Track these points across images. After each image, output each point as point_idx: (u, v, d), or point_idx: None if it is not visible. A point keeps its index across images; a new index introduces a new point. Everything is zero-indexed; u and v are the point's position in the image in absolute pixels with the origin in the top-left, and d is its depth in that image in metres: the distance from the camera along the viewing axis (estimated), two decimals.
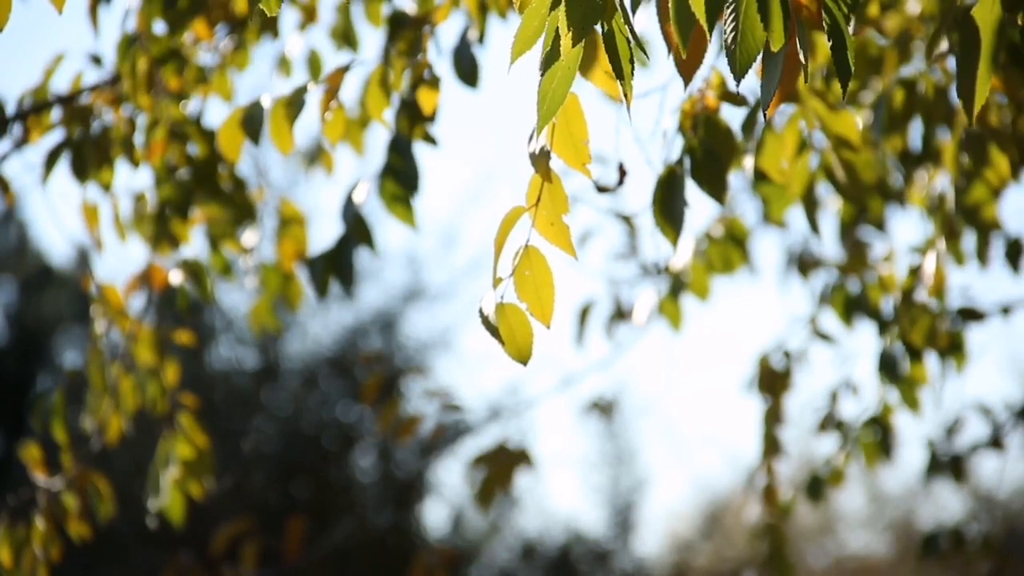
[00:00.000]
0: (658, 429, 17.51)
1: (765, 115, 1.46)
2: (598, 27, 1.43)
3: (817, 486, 3.79)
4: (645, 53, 1.47)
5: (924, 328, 3.03)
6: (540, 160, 1.55)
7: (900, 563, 12.26)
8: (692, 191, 1.97)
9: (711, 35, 1.37)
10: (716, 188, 1.97)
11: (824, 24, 1.39)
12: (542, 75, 1.44)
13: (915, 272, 2.84)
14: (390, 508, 10.73)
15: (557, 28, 1.41)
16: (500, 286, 1.56)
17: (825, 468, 3.79)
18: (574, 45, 1.38)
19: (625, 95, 1.45)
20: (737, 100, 2.06)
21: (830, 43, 1.39)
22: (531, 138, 1.58)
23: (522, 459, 3.74)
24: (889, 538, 12.85)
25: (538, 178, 1.56)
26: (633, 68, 1.44)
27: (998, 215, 2.42)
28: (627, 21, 1.43)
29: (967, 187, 2.41)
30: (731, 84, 2.04)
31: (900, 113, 2.39)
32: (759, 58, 1.38)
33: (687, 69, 1.57)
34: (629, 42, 1.44)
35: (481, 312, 1.56)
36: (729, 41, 1.37)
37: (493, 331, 1.55)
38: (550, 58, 1.42)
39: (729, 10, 1.36)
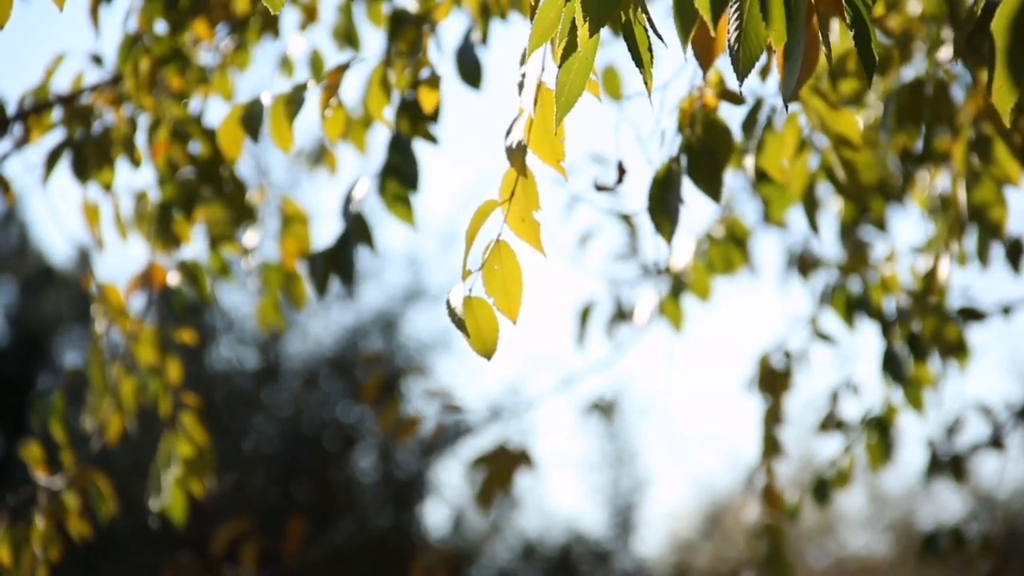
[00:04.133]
0: (658, 429, 17.52)
1: (787, 106, 1.46)
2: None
3: (823, 488, 3.79)
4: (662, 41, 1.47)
5: (931, 328, 3.03)
6: (516, 155, 1.55)
7: (900, 563, 12.26)
8: (690, 189, 1.97)
9: (715, 32, 1.37)
10: (712, 186, 1.97)
11: (845, 15, 1.38)
12: (559, 68, 1.43)
13: (930, 275, 2.83)
14: (390, 508, 10.73)
15: (573, 20, 1.41)
16: (469, 279, 1.56)
17: (830, 469, 3.78)
18: (590, 36, 1.38)
19: (645, 83, 1.45)
20: (735, 99, 2.06)
21: (852, 33, 1.38)
22: (508, 132, 1.58)
23: (522, 459, 3.74)
24: (889, 538, 12.85)
25: (513, 173, 1.56)
26: (652, 57, 1.44)
27: (1006, 216, 2.42)
28: (644, 10, 1.43)
29: (974, 187, 2.41)
30: (730, 83, 2.04)
31: (907, 115, 2.39)
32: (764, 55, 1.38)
33: (705, 57, 1.56)
34: (647, 31, 1.44)
35: (448, 305, 1.56)
36: (732, 40, 1.37)
37: (459, 324, 1.55)
38: (567, 50, 1.42)
39: (733, 8, 1.36)
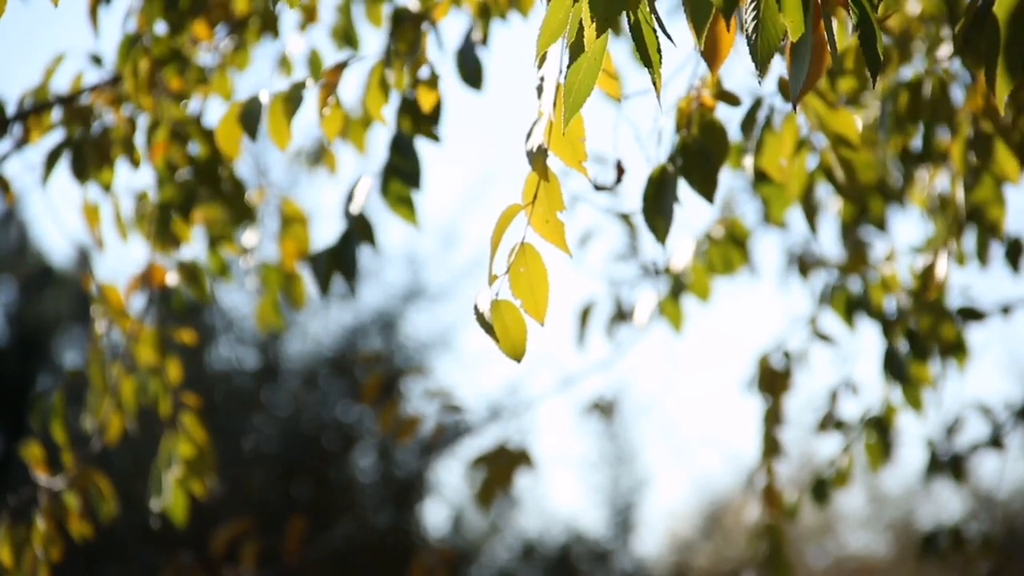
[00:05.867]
0: (658, 429, 17.50)
1: (795, 106, 1.46)
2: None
3: (821, 488, 3.79)
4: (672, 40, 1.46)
5: (928, 327, 3.03)
6: (537, 158, 1.56)
7: (900, 563, 12.26)
8: (686, 190, 1.97)
9: (729, 27, 1.37)
10: (706, 186, 1.97)
11: (851, 14, 1.38)
12: (568, 68, 1.43)
13: (927, 273, 2.83)
14: (390, 508, 10.73)
15: (581, 20, 1.41)
16: (495, 283, 1.56)
17: (829, 469, 3.78)
18: (598, 36, 1.38)
19: (654, 83, 1.45)
20: (733, 99, 2.06)
21: (858, 33, 1.38)
22: (528, 136, 1.58)
23: (522, 459, 3.74)
24: (889, 538, 12.85)
25: (535, 176, 1.56)
26: (661, 57, 1.44)
27: (1004, 215, 2.42)
28: (652, 10, 1.43)
29: (973, 186, 2.41)
30: (729, 83, 2.04)
31: (905, 114, 2.39)
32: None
33: (713, 56, 1.57)
34: (656, 31, 1.44)
35: (476, 309, 1.56)
36: (750, 31, 1.36)
37: (488, 328, 1.55)
38: (575, 50, 1.42)
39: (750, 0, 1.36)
